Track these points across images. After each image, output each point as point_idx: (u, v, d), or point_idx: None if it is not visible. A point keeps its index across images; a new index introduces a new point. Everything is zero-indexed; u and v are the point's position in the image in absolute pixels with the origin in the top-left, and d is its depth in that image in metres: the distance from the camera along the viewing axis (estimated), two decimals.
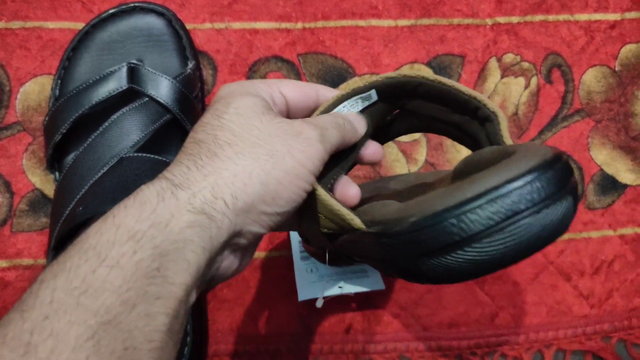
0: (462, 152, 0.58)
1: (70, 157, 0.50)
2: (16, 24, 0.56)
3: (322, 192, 0.33)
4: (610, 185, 0.59)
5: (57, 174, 0.51)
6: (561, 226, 0.26)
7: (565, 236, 0.58)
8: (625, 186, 0.59)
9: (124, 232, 0.27)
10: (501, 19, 0.60)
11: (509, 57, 0.59)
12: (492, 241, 0.26)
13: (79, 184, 0.46)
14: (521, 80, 0.59)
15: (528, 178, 0.26)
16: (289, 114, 0.37)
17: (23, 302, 0.26)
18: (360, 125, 0.38)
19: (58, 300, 0.25)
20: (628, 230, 0.58)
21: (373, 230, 0.31)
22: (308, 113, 0.37)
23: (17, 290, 0.53)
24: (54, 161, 0.51)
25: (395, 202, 0.34)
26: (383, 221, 0.30)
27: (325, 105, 0.37)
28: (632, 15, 0.61)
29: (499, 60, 0.59)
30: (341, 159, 0.38)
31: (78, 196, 0.45)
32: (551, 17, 0.60)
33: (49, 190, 0.54)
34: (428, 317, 0.56)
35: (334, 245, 0.35)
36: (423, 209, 0.28)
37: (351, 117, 0.37)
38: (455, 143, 0.57)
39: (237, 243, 0.31)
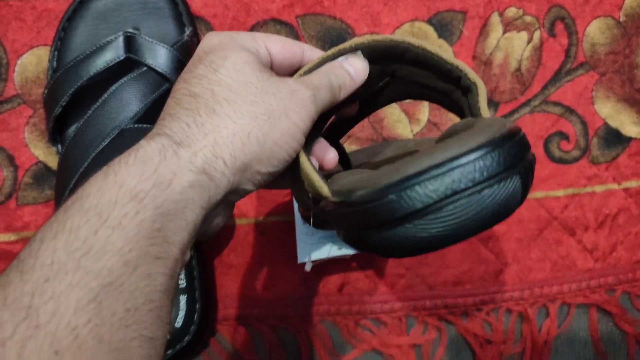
0: None
1: (71, 129, 0.50)
2: None
3: (302, 156, 0.33)
4: (614, 138, 0.58)
5: (59, 146, 0.51)
6: (505, 208, 0.26)
7: (570, 191, 0.58)
8: (629, 139, 0.58)
9: (125, 192, 0.27)
10: None
11: (511, 11, 0.58)
12: (432, 219, 0.25)
13: (82, 157, 0.46)
14: (524, 35, 0.58)
15: (472, 156, 0.25)
16: (272, 69, 0.36)
17: (22, 262, 0.26)
18: (359, 73, 0.36)
19: (59, 262, 0.25)
20: (632, 184, 0.58)
21: (334, 199, 0.31)
22: (291, 71, 0.37)
23: None
24: (55, 134, 0.51)
25: (365, 171, 0.34)
26: (341, 191, 0.30)
27: (309, 66, 0.36)
28: None
29: (501, 14, 0.58)
30: (322, 118, 0.37)
31: (81, 169, 0.46)
32: None
33: (53, 162, 0.54)
34: (432, 276, 0.57)
35: (317, 209, 0.35)
36: (374, 182, 0.28)
37: (350, 64, 0.36)
38: None
39: (230, 200, 0.32)
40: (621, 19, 0.59)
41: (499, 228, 0.57)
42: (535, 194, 0.57)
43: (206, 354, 0.55)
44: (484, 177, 0.25)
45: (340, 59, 0.36)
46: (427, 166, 0.25)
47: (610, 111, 0.58)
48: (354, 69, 0.36)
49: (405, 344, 0.56)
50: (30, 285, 0.24)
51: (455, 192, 0.25)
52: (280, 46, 0.36)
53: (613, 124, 0.58)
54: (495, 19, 0.58)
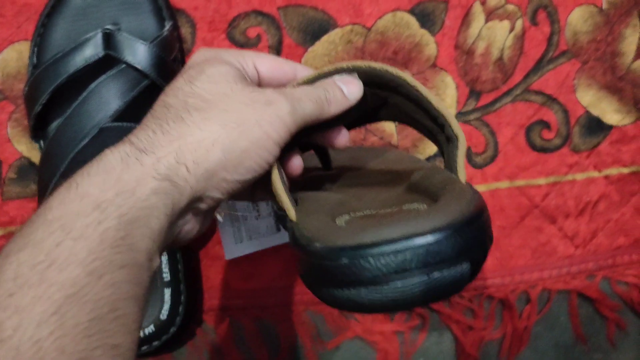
0: (447, 101, 0.57)
1: (53, 125, 0.50)
2: None
3: (274, 172, 0.33)
4: (595, 126, 0.59)
5: (41, 142, 0.51)
6: (449, 290, 0.26)
7: (551, 179, 0.58)
8: (610, 127, 0.59)
9: (88, 203, 0.27)
10: None
11: (493, 1, 0.58)
12: (377, 289, 0.26)
13: (62, 155, 0.47)
14: (506, 24, 0.58)
15: (428, 239, 0.26)
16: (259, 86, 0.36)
17: None
18: (353, 92, 0.36)
19: (22, 275, 0.25)
20: (613, 171, 0.59)
21: (293, 231, 0.31)
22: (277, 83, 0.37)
23: None
24: (37, 130, 0.51)
25: (332, 197, 0.35)
26: (302, 236, 0.30)
27: (303, 79, 0.36)
28: None
29: (483, 4, 0.58)
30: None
31: (62, 168, 0.46)
32: None
33: (36, 157, 0.55)
34: None
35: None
36: (328, 236, 0.28)
37: (344, 82, 0.36)
38: (440, 91, 0.57)
39: (198, 207, 0.32)
40: (604, 7, 0.59)
41: None
42: (516, 182, 0.58)
43: (192, 343, 0.56)
44: (435, 260, 0.26)
45: (335, 77, 0.36)
46: (382, 239, 0.26)
47: (591, 99, 0.59)
48: (347, 87, 0.36)
49: (388, 331, 0.57)
50: None
51: (405, 270, 0.25)
52: (269, 65, 0.36)
53: (594, 112, 0.59)
54: (477, 8, 0.58)
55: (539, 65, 0.58)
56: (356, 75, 0.37)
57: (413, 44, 0.57)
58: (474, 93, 0.58)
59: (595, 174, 0.59)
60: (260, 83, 0.36)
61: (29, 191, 0.55)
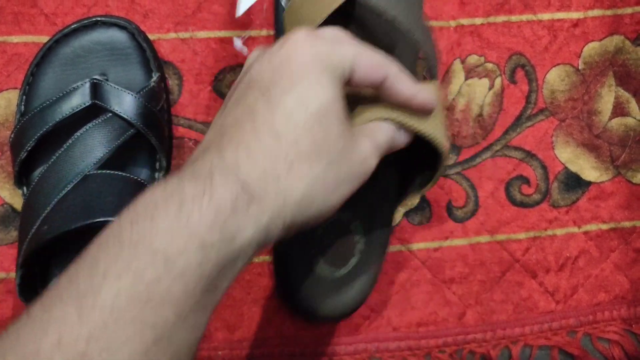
0: None
1: (37, 172, 0.51)
2: None
3: None
4: (574, 183, 0.60)
5: (24, 188, 0.51)
6: None
7: (531, 234, 0.59)
8: (589, 183, 0.60)
9: (195, 240, 0.26)
10: (464, 21, 0.60)
11: (473, 59, 0.60)
12: None
13: (44, 202, 0.47)
14: (485, 81, 0.60)
15: None
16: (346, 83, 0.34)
17: (81, 295, 0.24)
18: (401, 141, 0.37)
19: (119, 308, 0.24)
20: (592, 227, 0.60)
21: None
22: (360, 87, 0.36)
23: None
24: (21, 176, 0.51)
25: None
26: None
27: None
28: (594, 13, 0.61)
29: (462, 61, 0.60)
30: None
31: (43, 214, 0.46)
32: (514, 17, 0.60)
33: (19, 204, 0.55)
34: (397, 317, 0.57)
35: None
36: None
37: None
38: None
39: None
40: (580, 67, 0.61)
41: (463, 270, 0.58)
42: (497, 236, 0.59)
43: None
44: None
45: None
46: None
47: (570, 156, 0.60)
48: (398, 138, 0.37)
49: None
50: (87, 329, 0.24)
51: None
52: (366, 70, 0.33)
53: (573, 168, 0.60)
54: (457, 66, 0.60)
55: (518, 122, 0.60)
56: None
57: None
58: (455, 148, 0.59)
59: (574, 229, 0.59)
60: (349, 82, 0.34)
61: (10, 238, 0.55)
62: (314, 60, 0.31)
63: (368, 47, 0.34)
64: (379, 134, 0.34)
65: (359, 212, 0.50)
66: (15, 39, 0.56)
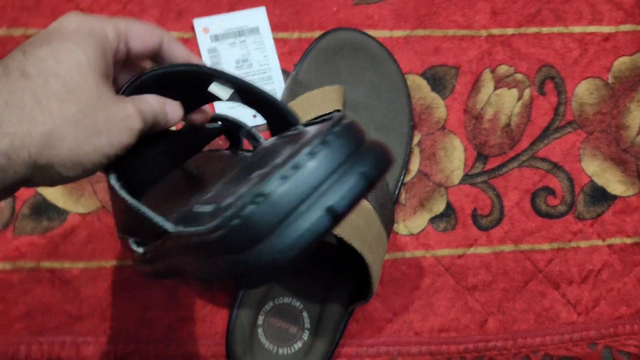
0: (455, 163, 0.59)
1: None
2: (17, 31, 0.57)
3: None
4: (600, 196, 0.60)
5: None
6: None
7: (555, 245, 0.59)
8: (615, 197, 0.60)
9: None
10: (496, 31, 0.61)
11: (502, 69, 0.60)
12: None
13: None
14: (514, 92, 0.60)
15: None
16: (125, 60, 0.37)
17: None
18: (174, 118, 0.37)
19: None
20: (616, 240, 0.60)
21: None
22: (143, 59, 0.38)
23: (22, 291, 0.55)
24: None
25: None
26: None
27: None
28: (626, 27, 0.62)
29: (492, 71, 0.60)
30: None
31: None
32: (545, 29, 0.61)
33: (51, 194, 0.56)
34: (419, 322, 0.58)
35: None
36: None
37: (172, 108, 0.37)
38: (448, 153, 0.59)
39: (20, 185, 0.31)
40: (609, 81, 0.61)
41: (486, 278, 0.58)
42: (521, 246, 0.59)
43: None
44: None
45: (165, 100, 0.37)
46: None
47: (596, 169, 0.60)
48: (171, 113, 0.37)
49: None
50: None
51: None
52: (140, 40, 0.36)
53: (599, 181, 0.60)
54: (487, 75, 0.60)
55: (546, 133, 0.60)
56: (179, 103, 0.38)
57: (424, 106, 0.59)
58: (482, 157, 0.59)
59: (598, 242, 0.60)
60: (127, 57, 0.36)
61: (41, 227, 0.55)
62: (78, 27, 0.33)
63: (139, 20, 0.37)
64: (143, 102, 0.35)
65: (309, 304, 0.55)
66: None
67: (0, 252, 0.55)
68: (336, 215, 0.24)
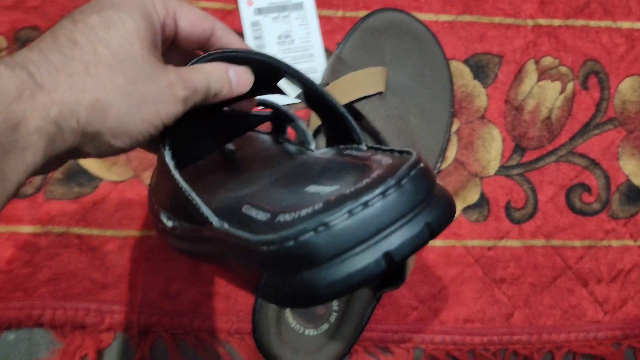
0: (492, 153, 0.58)
1: None
2: None
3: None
4: (635, 196, 0.59)
5: None
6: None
7: (586, 242, 0.59)
8: None
9: None
10: (543, 21, 0.59)
11: (547, 60, 0.59)
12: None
13: None
14: (557, 85, 0.59)
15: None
16: (175, 42, 0.36)
17: None
18: (241, 86, 0.36)
19: None
20: None
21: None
22: (195, 47, 0.36)
23: (49, 256, 0.54)
24: None
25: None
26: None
27: (205, 57, 0.35)
28: None
29: (536, 62, 0.59)
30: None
31: None
32: (593, 23, 0.60)
33: (86, 162, 0.55)
34: (445, 311, 0.57)
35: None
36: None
37: (237, 73, 0.35)
38: (486, 143, 0.58)
39: (70, 156, 0.32)
40: None
41: (514, 271, 0.58)
42: (552, 241, 0.58)
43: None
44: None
45: (230, 66, 0.35)
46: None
47: (634, 169, 0.59)
48: (236, 80, 0.35)
49: None
50: None
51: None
52: (189, 21, 0.35)
53: (636, 181, 0.59)
54: (530, 66, 0.59)
55: (586, 129, 0.59)
56: (249, 68, 0.36)
57: (465, 94, 0.58)
58: (519, 148, 0.58)
59: (630, 242, 0.59)
60: (176, 36, 0.35)
61: (72, 193, 0.55)
62: (130, 1, 0.32)
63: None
64: (194, 71, 0.34)
65: None
66: None
67: (30, 215, 0.54)
68: (391, 263, 0.23)
